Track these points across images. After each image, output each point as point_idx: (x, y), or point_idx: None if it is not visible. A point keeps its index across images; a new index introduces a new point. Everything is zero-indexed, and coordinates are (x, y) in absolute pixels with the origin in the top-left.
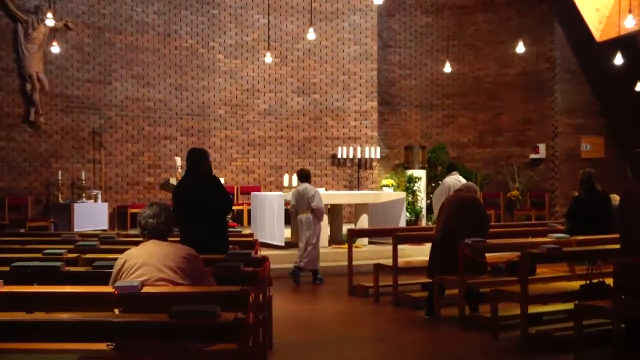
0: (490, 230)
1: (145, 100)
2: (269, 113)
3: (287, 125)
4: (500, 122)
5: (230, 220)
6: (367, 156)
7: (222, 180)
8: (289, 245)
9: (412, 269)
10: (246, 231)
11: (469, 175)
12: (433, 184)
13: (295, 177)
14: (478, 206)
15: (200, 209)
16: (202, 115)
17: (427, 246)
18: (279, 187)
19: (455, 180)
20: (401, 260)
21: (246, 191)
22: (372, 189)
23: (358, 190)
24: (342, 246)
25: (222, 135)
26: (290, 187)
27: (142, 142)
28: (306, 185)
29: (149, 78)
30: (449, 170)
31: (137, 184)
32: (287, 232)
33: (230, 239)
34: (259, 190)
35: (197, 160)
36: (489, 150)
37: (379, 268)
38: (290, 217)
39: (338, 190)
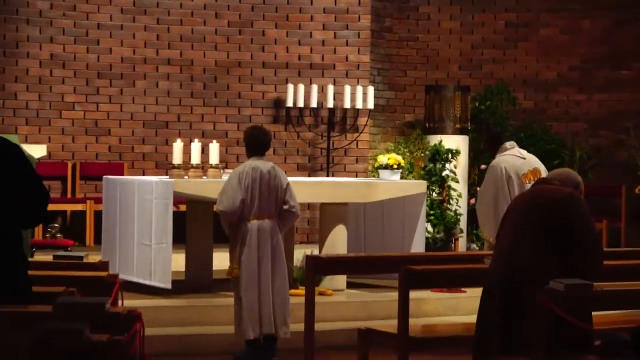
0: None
1: None
2: (142, 10)
3: (180, 37)
4: (626, 37)
5: (53, 234)
6: (347, 105)
7: (34, 153)
8: (182, 287)
9: (440, 341)
10: (93, 257)
11: (556, 150)
12: (483, 166)
13: (214, 148)
14: (578, 213)
15: None
16: None
17: (473, 294)
18: (162, 165)
19: (516, 158)
20: (416, 324)
21: (92, 174)
22: (356, 174)
23: (328, 175)
24: (294, 291)
25: (42, 54)
26: (186, 166)
27: None
28: (271, 163)
29: None
30: (494, 142)
31: None
32: (179, 260)
33: (40, 272)
34: (120, 171)
35: None
36: (601, 97)
37: (369, 337)
38: (188, 228)
39: (286, 173)
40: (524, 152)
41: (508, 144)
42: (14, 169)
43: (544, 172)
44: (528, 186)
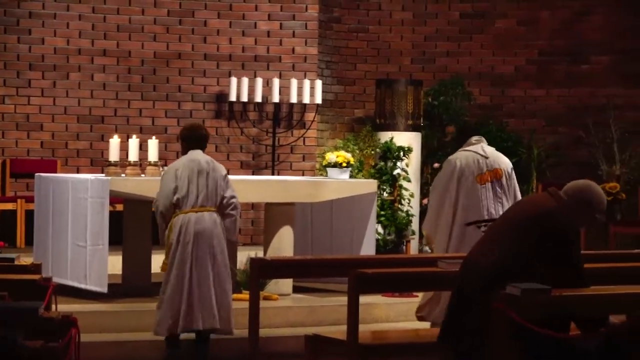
0: None
1: None
2: None
3: (117, 27)
4: (586, 29)
5: None
6: (293, 100)
7: None
8: (118, 291)
9: (391, 348)
10: (25, 260)
11: (513, 148)
12: (436, 164)
13: (153, 144)
14: (560, 232)
15: None
16: None
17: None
18: (98, 162)
19: (476, 155)
20: (366, 330)
21: (23, 171)
22: (303, 173)
23: (273, 173)
24: (238, 296)
25: None
26: (123, 163)
27: None
28: (205, 156)
29: None
30: (462, 136)
31: None
32: (116, 263)
33: None
34: (52, 169)
35: None
36: (560, 92)
37: (317, 344)
38: (125, 229)
39: (229, 171)
40: (488, 150)
41: (474, 139)
42: None
43: (506, 173)
44: (483, 188)
